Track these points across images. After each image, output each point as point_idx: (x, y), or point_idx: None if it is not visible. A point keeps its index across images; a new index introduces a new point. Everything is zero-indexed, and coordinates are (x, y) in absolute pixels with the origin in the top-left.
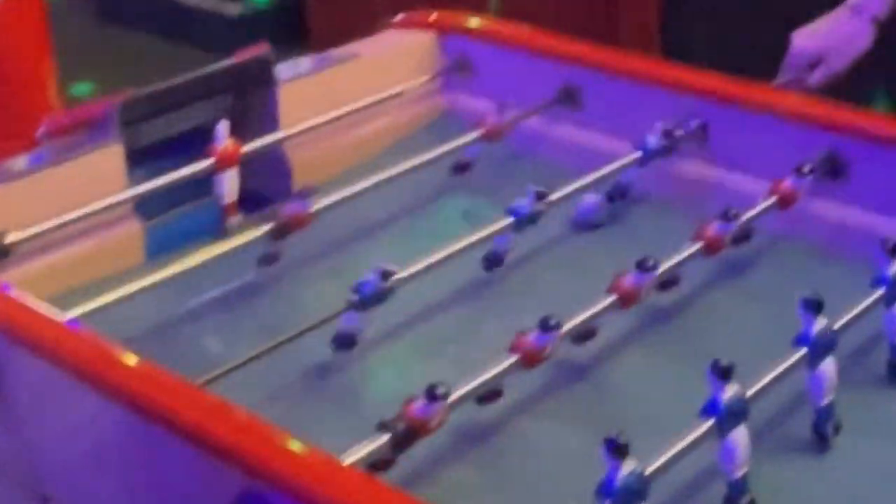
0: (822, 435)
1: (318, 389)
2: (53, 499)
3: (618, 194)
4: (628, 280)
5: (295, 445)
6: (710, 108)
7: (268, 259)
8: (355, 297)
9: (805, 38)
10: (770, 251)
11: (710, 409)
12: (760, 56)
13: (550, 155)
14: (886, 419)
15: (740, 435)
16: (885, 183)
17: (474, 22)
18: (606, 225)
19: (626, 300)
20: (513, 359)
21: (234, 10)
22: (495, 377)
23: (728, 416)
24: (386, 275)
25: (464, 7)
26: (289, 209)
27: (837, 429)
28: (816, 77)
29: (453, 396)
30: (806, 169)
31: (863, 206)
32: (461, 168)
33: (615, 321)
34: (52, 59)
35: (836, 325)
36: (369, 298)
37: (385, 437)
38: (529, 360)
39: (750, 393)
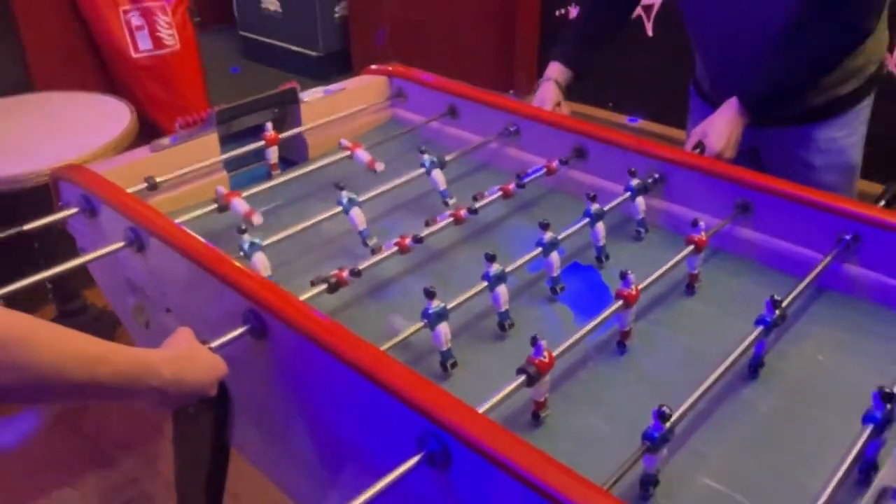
0: (553, 292)
1: (306, 255)
2: (172, 310)
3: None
4: (460, 213)
5: (272, 287)
6: (522, 120)
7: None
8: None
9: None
10: (544, 198)
11: (486, 277)
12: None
13: (440, 142)
14: (590, 282)
15: (502, 290)
16: (611, 161)
17: (406, 71)
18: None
19: (458, 221)
20: (395, 249)
21: (314, 53)
22: (384, 258)
23: (494, 280)
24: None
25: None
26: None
27: (561, 289)
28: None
29: (363, 265)
30: (563, 159)
31: (598, 174)
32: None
33: (459, 233)
34: (204, 79)
35: (560, 236)
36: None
37: (323, 286)
38: (403, 250)
39: (510, 268)
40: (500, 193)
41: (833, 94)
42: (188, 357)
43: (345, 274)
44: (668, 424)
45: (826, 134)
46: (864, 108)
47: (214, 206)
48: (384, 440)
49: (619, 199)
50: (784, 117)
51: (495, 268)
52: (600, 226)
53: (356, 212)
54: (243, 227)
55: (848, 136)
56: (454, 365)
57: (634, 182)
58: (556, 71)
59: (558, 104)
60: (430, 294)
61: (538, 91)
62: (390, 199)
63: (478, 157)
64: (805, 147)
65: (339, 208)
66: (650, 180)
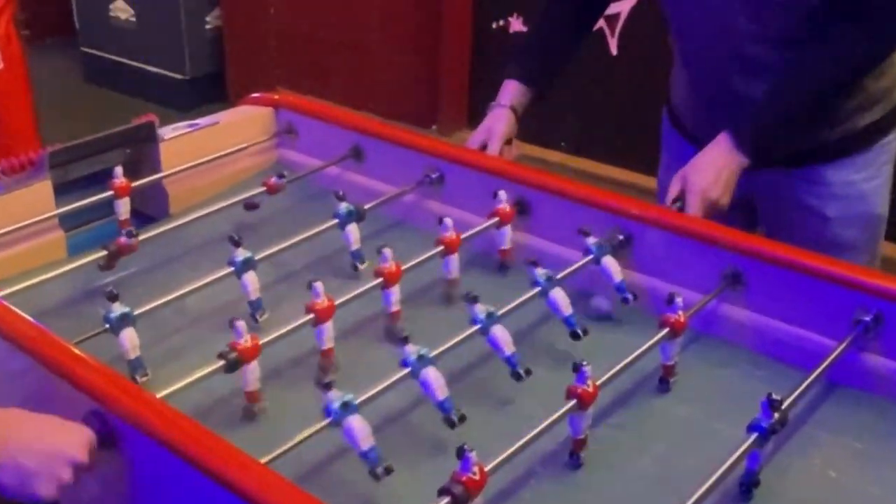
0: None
1: (161, 346)
2: None
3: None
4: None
5: (120, 381)
6: (447, 164)
7: (250, 206)
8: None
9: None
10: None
11: (403, 363)
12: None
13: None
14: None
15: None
16: (556, 219)
17: (298, 102)
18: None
19: (388, 283)
20: (311, 316)
21: (179, 76)
22: (297, 327)
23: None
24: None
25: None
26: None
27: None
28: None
29: (265, 339)
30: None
31: (538, 233)
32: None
33: (369, 309)
34: (34, 109)
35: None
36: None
37: (222, 362)
38: (321, 317)
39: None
40: (440, 248)
41: (851, 125)
42: None
43: (243, 345)
44: None
45: (842, 176)
46: (891, 142)
47: (54, 273)
48: None
49: (577, 264)
50: (787, 156)
51: (412, 349)
52: (558, 293)
53: (251, 277)
54: (114, 290)
55: (870, 178)
56: (388, 470)
57: (592, 241)
58: (512, 93)
59: (508, 141)
60: (326, 386)
61: (485, 119)
62: (289, 259)
63: (389, 211)
64: (816, 194)
65: (217, 275)
66: (613, 244)
